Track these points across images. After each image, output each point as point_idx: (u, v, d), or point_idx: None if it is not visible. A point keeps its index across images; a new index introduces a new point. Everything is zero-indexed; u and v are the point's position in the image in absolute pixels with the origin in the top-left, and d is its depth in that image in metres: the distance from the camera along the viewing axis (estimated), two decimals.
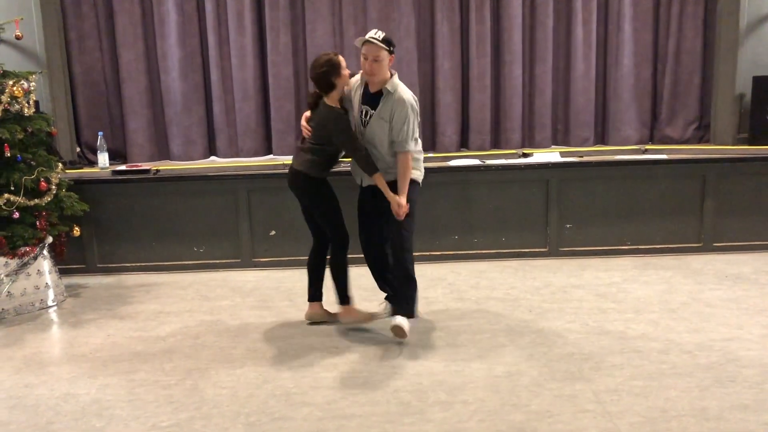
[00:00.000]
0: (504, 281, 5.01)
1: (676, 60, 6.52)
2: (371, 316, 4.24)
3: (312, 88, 4.02)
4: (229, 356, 3.81)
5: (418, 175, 4.04)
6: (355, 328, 4.15)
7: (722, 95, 6.29)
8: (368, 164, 3.88)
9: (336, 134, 3.89)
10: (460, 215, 5.50)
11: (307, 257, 4.24)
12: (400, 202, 3.84)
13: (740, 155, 5.61)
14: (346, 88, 3.97)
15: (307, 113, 4.08)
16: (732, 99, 6.23)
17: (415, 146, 3.94)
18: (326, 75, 3.84)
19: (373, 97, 3.88)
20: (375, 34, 3.77)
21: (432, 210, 5.43)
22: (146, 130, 6.43)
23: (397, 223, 3.89)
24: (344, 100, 4.00)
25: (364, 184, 4.07)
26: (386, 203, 3.89)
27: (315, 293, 4.26)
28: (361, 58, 3.81)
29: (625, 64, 6.53)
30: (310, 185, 4.02)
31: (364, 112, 3.91)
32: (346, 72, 3.93)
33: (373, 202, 4.02)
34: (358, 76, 3.99)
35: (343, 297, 4.17)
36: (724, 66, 6.23)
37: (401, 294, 3.98)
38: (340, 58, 3.90)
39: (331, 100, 3.91)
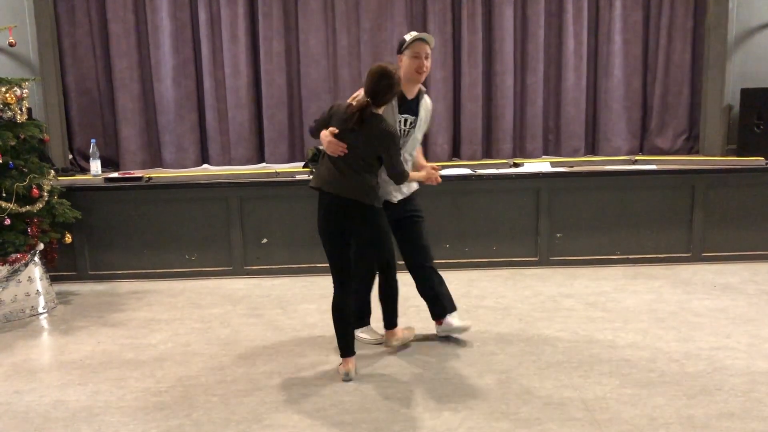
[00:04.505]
0: (494, 290, 5.03)
1: (665, 72, 6.60)
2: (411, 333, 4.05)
3: (360, 99, 3.43)
4: (219, 364, 3.82)
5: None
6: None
7: (711, 107, 6.37)
8: (406, 172, 3.57)
9: (395, 149, 3.44)
10: (452, 224, 5.53)
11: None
12: (430, 167, 3.78)
13: (729, 166, 5.66)
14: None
15: (333, 129, 3.41)
16: (721, 110, 6.31)
17: None
18: (396, 86, 3.42)
19: (410, 103, 3.76)
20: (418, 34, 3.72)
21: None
22: (139, 137, 6.45)
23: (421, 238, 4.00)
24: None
25: (397, 200, 3.84)
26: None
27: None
28: (412, 57, 3.67)
29: (616, 75, 6.60)
30: (373, 215, 3.50)
31: (403, 121, 3.74)
32: None
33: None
34: None
35: (393, 321, 3.95)
36: (713, 78, 6.32)
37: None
38: None
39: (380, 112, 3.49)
